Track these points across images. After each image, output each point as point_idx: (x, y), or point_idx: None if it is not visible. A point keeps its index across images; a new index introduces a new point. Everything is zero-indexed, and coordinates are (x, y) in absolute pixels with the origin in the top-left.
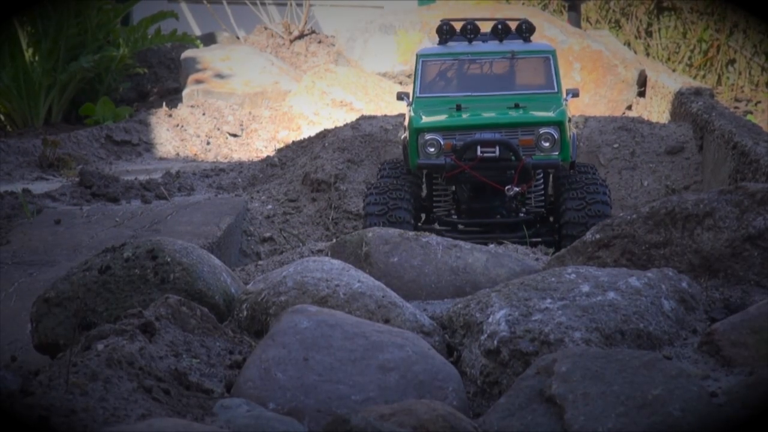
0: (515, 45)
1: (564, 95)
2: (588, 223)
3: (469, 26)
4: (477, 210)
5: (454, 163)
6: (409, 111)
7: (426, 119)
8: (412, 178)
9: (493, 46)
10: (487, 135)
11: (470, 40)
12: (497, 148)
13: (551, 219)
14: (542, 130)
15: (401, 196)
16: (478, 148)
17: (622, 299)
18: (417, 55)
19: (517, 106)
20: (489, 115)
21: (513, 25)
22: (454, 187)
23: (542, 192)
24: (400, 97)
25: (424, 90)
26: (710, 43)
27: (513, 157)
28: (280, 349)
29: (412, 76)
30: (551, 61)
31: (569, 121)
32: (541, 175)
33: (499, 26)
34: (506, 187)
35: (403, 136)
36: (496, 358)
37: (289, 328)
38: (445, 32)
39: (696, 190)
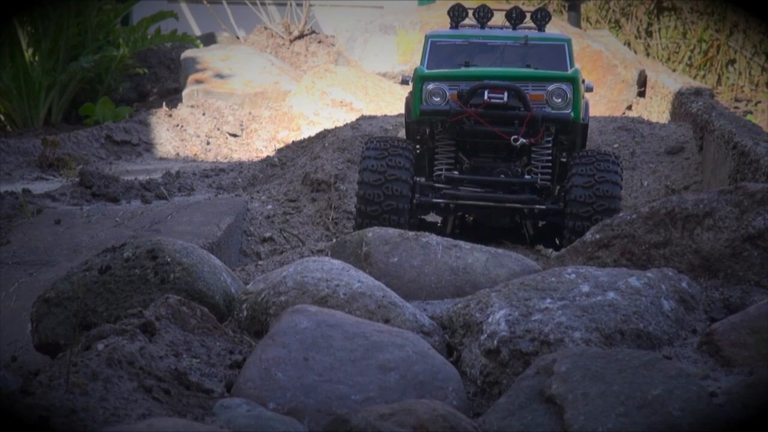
0: (530, 33)
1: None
2: (595, 203)
3: (481, 10)
4: (479, 168)
5: (459, 108)
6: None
7: (432, 70)
8: (408, 148)
9: (506, 31)
10: (496, 81)
11: (483, 25)
12: (506, 93)
13: (557, 191)
14: (554, 86)
15: (401, 164)
16: (486, 92)
17: (622, 299)
18: (426, 36)
19: (528, 66)
20: (498, 69)
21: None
22: (455, 147)
23: (549, 159)
24: (405, 81)
25: (431, 68)
26: (710, 43)
27: (522, 107)
28: (280, 349)
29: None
30: (566, 50)
31: (583, 83)
32: (550, 141)
33: (514, 12)
34: (512, 137)
35: (407, 93)
36: (496, 358)
37: (289, 328)
38: (457, 15)
39: (696, 190)
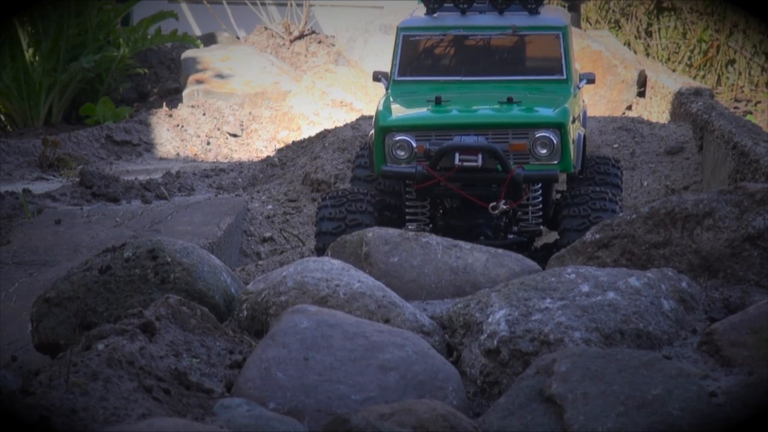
0: (519, 18)
1: (576, 82)
2: (590, 215)
3: None
4: (456, 229)
5: (427, 173)
6: (381, 101)
7: (396, 115)
8: (370, 194)
9: (491, 19)
10: (469, 139)
11: (464, 11)
12: (480, 156)
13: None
14: (538, 134)
15: (362, 209)
16: (457, 155)
17: (622, 299)
18: (398, 28)
19: (510, 101)
20: (473, 114)
21: None
22: (428, 206)
23: (540, 206)
24: (377, 77)
25: (404, 72)
26: (710, 44)
27: (500, 167)
28: (280, 349)
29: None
30: (562, 40)
31: (575, 121)
32: (539, 192)
33: None
34: (490, 205)
35: (370, 133)
36: (496, 358)
37: (289, 328)
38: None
39: (696, 190)
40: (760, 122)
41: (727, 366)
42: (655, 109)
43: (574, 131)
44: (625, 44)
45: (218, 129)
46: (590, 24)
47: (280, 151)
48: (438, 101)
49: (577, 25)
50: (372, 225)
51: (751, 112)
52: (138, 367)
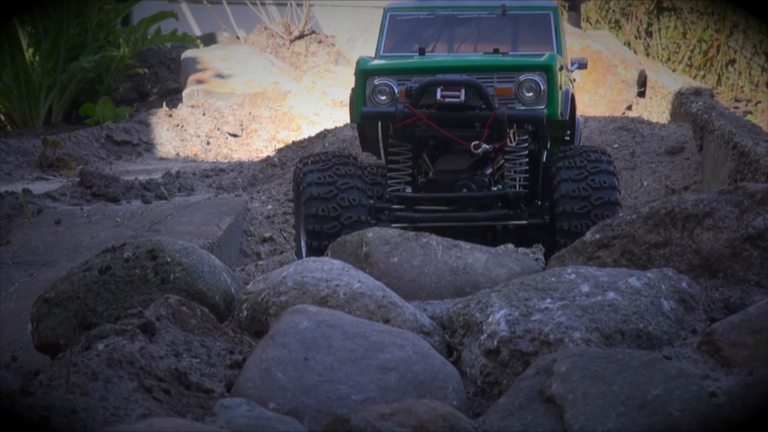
0: None
1: (566, 59)
2: (591, 197)
3: None
4: (438, 182)
5: (408, 111)
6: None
7: (377, 62)
8: (353, 157)
9: None
10: (452, 76)
11: None
12: (463, 91)
13: (539, 202)
14: (524, 77)
15: (351, 172)
16: (438, 90)
17: (622, 299)
18: (384, 9)
19: (496, 51)
20: (457, 58)
21: None
22: (410, 154)
23: (526, 164)
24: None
25: (389, 49)
26: (710, 44)
27: (483, 106)
28: (280, 349)
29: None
30: (552, 20)
31: (562, 69)
32: (526, 142)
33: None
34: (473, 143)
35: (350, 89)
36: (496, 358)
37: (289, 328)
38: None
39: (696, 190)
40: (760, 122)
41: (727, 366)
42: (655, 109)
43: (563, 82)
44: (625, 44)
45: (218, 129)
46: (590, 24)
47: (280, 151)
48: (422, 52)
49: (577, 25)
50: (363, 188)
51: (751, 112)
52: (138, 367)
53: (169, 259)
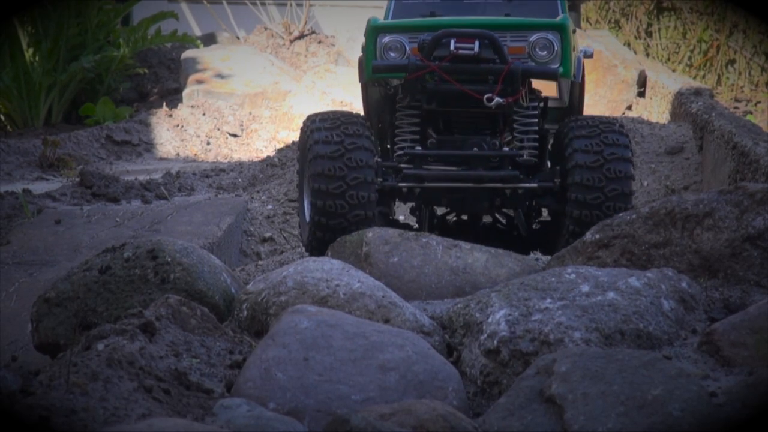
0: None
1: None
2: (606, 188)
3: None
4: (447, 141)
5: (420, 62)
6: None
7: (389, 19)
8: (362, 117)
9: None
10: (466, 29)
11: None
12: (476, 43)
13: (549, 170)
14: (538, 35)
15: (359, 132)
16: (452, 42)
17: (622, 299)
18: None
19: (508, 15)
20: (469, 18)
21: None
22: (420, 111)
23: (536, 131)
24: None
25: None
26: (710, 44)
27: (497, 60)
28: (280, 349)
29: None
30: (559, 6)
31: (575, 32)
32: (536, 109)
33: None
34: (486, 96)
35: (359, 55)
36: (496, 358)
37: (289, 328)
38: None
39: (696, 190)
40: (760, 122)
41: (727, 366)
42: (655, 109)
43: (576, 45)
44: (625, 44)
45: (218, 129)
46: (590, 24)
47: (280, 151)
48: (432, 14)
49: (577, 25)
50: (371, 149)
51: (751, 112)
52: (138, 367)
53: (169, 259)
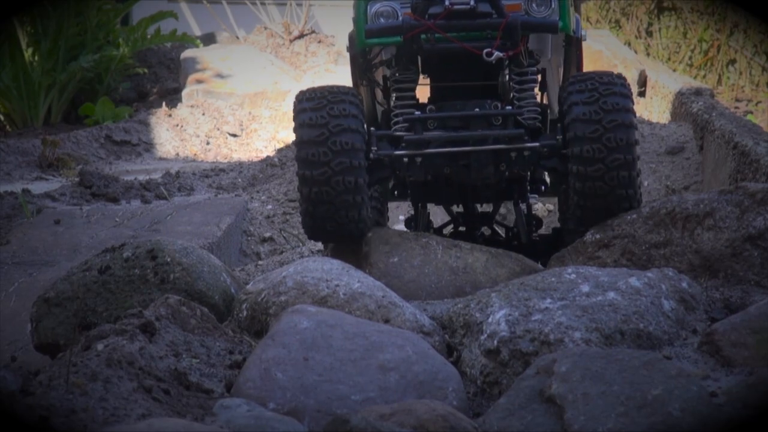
0: None
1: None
2: (603, 120)
3: None
4: (448, 105)
5: (414, 21)
6: None
7: None
8: (352, 92)
9: None
10: None
11: None
12: None
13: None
14: None
15: (346, 112)
16: None
17: (622, 299)
18: None
19: None
20: None
21: None
22: (416, 76)
23: (534, 99)
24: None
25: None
26: (710, 43)
27: (494, 14)
28: (280, 349)
29: None
30: None
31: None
32: (535, 72)
33: None
34: (485, 50)
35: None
36: (496, 358)
37: (289, 328)
38: None
39: (696, 190)
40: (760, 122)
41: (728, 366)
42: (656, 109)
43: (572, 4)
44: (625, 44)
45: (218, 129)
46: (590, 24)
47: (280, 151)
48: None
49: None
50: (359, 130)
51: (751, 112)
52: (138, 367)
53: (168, 259)
